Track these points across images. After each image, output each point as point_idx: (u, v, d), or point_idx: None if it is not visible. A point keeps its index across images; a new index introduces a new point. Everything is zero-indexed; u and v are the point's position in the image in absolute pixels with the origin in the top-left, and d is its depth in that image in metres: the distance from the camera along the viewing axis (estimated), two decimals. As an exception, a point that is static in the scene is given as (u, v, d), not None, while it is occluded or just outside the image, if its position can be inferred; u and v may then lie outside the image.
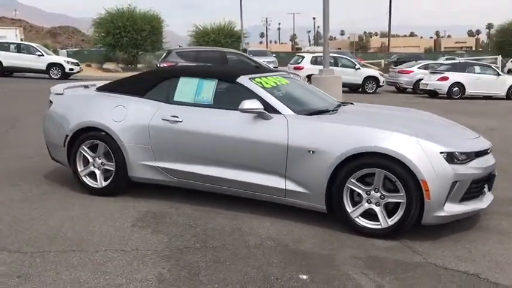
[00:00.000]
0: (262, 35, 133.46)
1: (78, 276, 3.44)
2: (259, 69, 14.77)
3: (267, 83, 4.98)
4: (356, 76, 20.50)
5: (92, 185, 5.32)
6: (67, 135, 5.33)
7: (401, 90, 22.84)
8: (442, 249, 4.02)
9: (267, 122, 4.55)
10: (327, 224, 4.50)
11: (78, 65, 24.40)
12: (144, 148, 5.03)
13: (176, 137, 4.88)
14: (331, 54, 22.87)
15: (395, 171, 4.06)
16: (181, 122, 4.86)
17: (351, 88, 20.82)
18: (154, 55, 32.43)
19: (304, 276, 3.49)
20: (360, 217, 4.28)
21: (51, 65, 23.24)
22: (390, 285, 3.40)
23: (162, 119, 4.95)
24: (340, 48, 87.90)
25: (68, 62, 23.75)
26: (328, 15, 12.44)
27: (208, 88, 4.96)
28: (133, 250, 3.90)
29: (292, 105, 4.72)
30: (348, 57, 22.52)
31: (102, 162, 5.27)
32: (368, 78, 20.78)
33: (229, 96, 4.95)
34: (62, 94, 5.68)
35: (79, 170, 5.35)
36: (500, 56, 34.15)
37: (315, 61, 20.33)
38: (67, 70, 23.46)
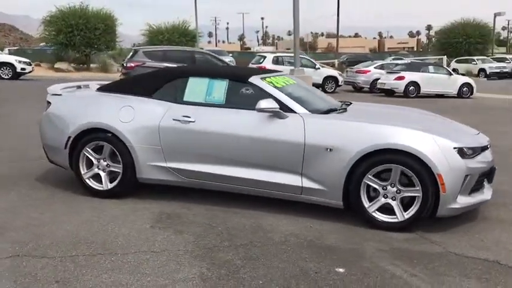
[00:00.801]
0: (210, 35, 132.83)
1: (119, 278, 3.41)
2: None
3: (277, 83, 5.07)
4: (316, 76, 20.88)
5: (96, 187, 5.22)
6: (69, 137, 5.20)
7: (358, 89, 23.50)
8: (455, 240, 4.26)
9: (283, 121, 4.64)
10: (342, 219, 4.64)
11: (30, 65, 23.48)
12: (153, 149, 4.99)
13: (188, 137, 4.88)
14: (291, 54, 23.21)
15: (412, 167, 4.26)
16: (193, 122, 4.86)
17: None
18: (109, 54, 31.66)
19: (341, 270, 3.61)
20: (376, 212, 4.45)
21: (0, 65, 22.23)
22: (422, 274, 3.58)
23: (173, 119, 4.93)
24: (289, 49, 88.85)
25: (19, 62, 22.79)
26: (298, 17, 12.70)
27: (220, 88, 4.99)
28: (163, 251, 3.89)
29: (305, 104, 4.83)
30: (308, 58, 22.91)
31: (107, 164, 5.18)
32: (328, 78, 21.27)
33: (241, 96, 5.00)
34: (60, 95, 5.53)
35: (82, 172, 5.24)
36: (445, 56, 35.84)
37: (276, 61, 20.60)
38: (18, 70, 22.54)
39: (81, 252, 3.83)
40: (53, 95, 5.55)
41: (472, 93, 20.54)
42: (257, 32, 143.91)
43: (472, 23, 40.18)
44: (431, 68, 20.72)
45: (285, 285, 3.36)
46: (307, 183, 4.59)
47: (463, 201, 4.38)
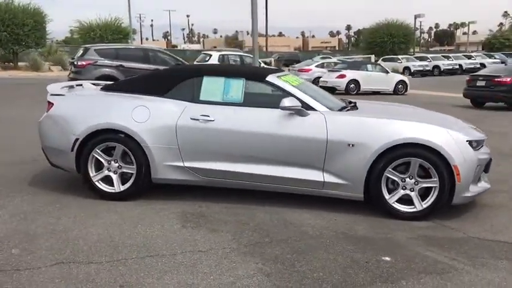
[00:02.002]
0: (134, 32, 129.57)
1: (182, 279, 3.40)
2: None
3: (292, 82, 5.19)
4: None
5: (107, 190, 5.08)
6: (77, 139, 5.01)
7: (299, 87, 24.05)
8: (469, 225, 4.62)
9: (304, 119, 4.78)
10: (361, 212, 4.86)
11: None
12: (169, 149, 4.94)
13: (208, 136, 4.88)
14: (237, 53, 23.36)
15: (430, 159, 4.56)
16: (213, 121, 4.87)
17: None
18: (39, 52, 30.01)
19: (388, 258, 3.82)
20: (395, 203, 4.72)
21: None
22: (460, 258, 3.86)
23: (191, 119, 4.91)
24: (215, 47, 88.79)
25: None
26: (257, 16, 12.82)
27: (237, 87, 5.02)
28: (209, 250, 3.90)
29: (322, 102, 5.00)
30: (252, 56, 23.08)
31: (119, 166, 5.05)
32: (272, 76, 21.57)
33: (259, 95, 5.08)
34: (63, 95, 5.30)
35: (91, 175, 5.08)
36: (373, 55, 37.56)
37: (222, 59, 20.60)
38: None
39: (128, 256, 3.75)
40: (55, 95, 5.31)
41: (406, 90, 21.74)
42: (183, 29, 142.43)
43: (395, 24, 42.45)
44: (369, 66, 21.70)
45: (344, 275, 3.51)
46: (329, 178, 4.76)
47: (473, 189, 4.76)
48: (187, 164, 4.96)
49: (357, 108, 5.26)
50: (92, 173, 5.08)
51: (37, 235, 4.13)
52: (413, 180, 4.67)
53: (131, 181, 5.03)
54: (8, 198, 5.10)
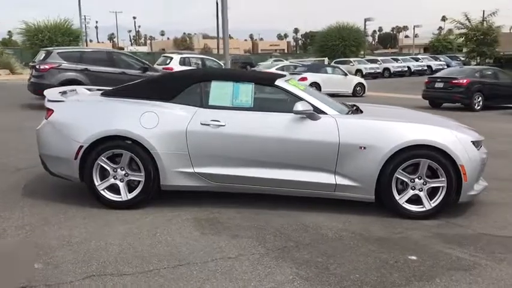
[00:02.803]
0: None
1: (226, 286, 3.36)
2: (151, 69, 14.43)
3: (299, 86, 5.23)
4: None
5: (113, 198, 4.93)
6: (81, 146, 4.84)
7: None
8: (475, 222, 4.81)
9: (315, 122, 4.83)
10: (369, 212, 4.95)
11: None
12: (179, 154, 4.86)
13: (219, 141, 4.84)
14: (198, 56, 23.20)
15: (439, 160, 4.72)
16: (224, 126, 4.84)
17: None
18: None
19: (414, 257, 3.92)
20: (405, 203, 4.85)
21: None
22: (479, 254, 4.02)
23: (201, 124, 4.85)
24: (163, 49, 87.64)
25: None
26: (227, 18, 12.83)
27: (246, 91, 5.01)
28: (239, 256, 3.88)
29: (330, 106, 5.07)
30: (213, 59, 23.01)
31: (125, 173, 4.92)
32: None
33: (269, 99, 5.09)
34: (63, 101, 5.10)
35: (96, 184, 4.91)
36: (326, 58, 38.30)
37: (183, 62, 20.41)
38: None
39: (159, 266, 3.67)
40: (54, 101, 5.10)
41: (364, 92, 22.34)
42: (129, 31, 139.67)
43: (347, 27, 43.47)
44: (329, 69, 22.12)
45: (380, 276, 3.58)
46: (340, 181, 4.84)
47: (477, 188, 4.97)
48: (197, 170, 4.90)
49: (362, 112, 5.37)
50: (97, 181, 4.91)
51: (54, 248, 3.96)
52: (422, 181, 4.82)
53: (139, 189, 4.91)
54: (7, 211, 4.86)
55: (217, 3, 61.88)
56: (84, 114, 4.99)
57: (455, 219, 4.88)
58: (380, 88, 26.14)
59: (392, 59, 42.45)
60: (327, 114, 4.90)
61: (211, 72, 5.80)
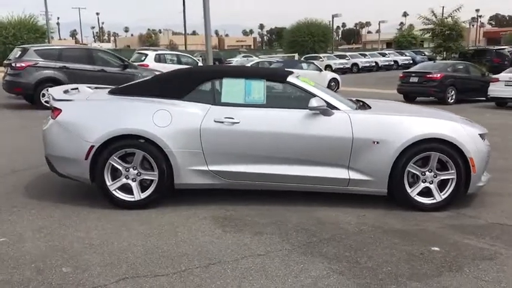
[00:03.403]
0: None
1: (264, 284, 3.36)
2: (131, 66, 14.19)
3: (310, 82, 5.26)
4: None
5: (126, 198, 4.85)
6: (92, 146, 4.73)
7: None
8: (484, 213, 4.95)
9: (329, 118, 4.87)
10: (383, 206, 5.03)
11: None
12: (193, 153, 4.82)
13: (233, 138, 4.82)
14: (173, 53, 22.93)
15: (449, 153, 4.84)
16: (238, 123, 4.82)
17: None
18: None
19: (437, 248, 4.02)
20: (417, 195, 4.95)
21: None
22: (498, 243, 4.13)
23: (215, 121, 4.82)
24: (128, 46, 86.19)
25: None
26: (209, 15, 12.73)
27: (258, 88, 5.00)
28: (268, 253, 3.88)
29: (342, 101, 5.12)
30: (188, 55, 22.78)
31: (138, 173, 4.84)
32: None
33: (281, 95, 5.10)
34: (71, 100, 4.97)
35: (108, 184, 4.82)
36: (297, 53, 38.54)
37: (158, 59, 20.13)
38: None
39: (190, 265, 3.63)
40: (62, 100, 4.95)
41: (338, 87, 22.59)
42: (93, 28, 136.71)
43: (315, 23, 43.84)
44: (304, 65, 22.28)
45: (411, 268, 3.65)
46: (354, 175, 4.90)
47: (484, 179, 5.13)
48: (211, 168, 4.86)
49: (370, 107, 5.43)
50: (108, 181, 4.82)
51: (77, 251, 3.87)
52: (432, 173, 4.93)
53: (152, 188, 4.84)
54: (14, 214, 4.71)
55: (183, 0, 61.40)
56: (94, 113, 4.88)
57: (464, 210, 5.01)
58: (352, 83, 26.49)
59: (360, 54, 43.08)
60: (339, 109, 4.95)
61: (223, 69, 5.76)
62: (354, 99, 5.84)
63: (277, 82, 5.13)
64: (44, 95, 12.80)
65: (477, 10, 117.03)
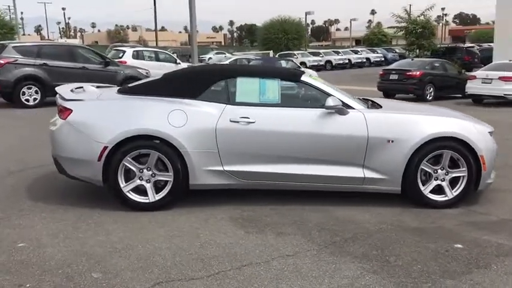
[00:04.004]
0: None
1: (303, 285, 3.35)
2: (113, 64, 13.93)
3: (322, 81, 5.26)
4: (177, 71, 20.68)
5: (140, 200, 4.75)
6: (105, 147, 4.62)
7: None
8: (493, 209, 5.06)
9: (344, 117, 4.88)
10: (396, 203, 5.07)
11: None
12: (209, 153, 4.76)
13: (249, 138, 4.78)
14: (151, 49, 22.61)
15: (460, 151, 4.93)
16: (253, 122, 4.78)
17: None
18: None
19: (460, 245, 4.08)
20: (429, 193, 5.02)
21: None
22: (515, 239, 4.26)
23: (231, 121, 4.77)
24: (96, 42, 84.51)
25: None
26: (195, 11, 12.60)
27: (273, 87, 4.97)
28: (297, 253, 3.86)
29: (355, 101, 5.14)
30: (166, 52, 22.47)
31: (152, 174, 4.75)
32: (188, 73, 21.23)
33: (295, 95, 5.08)
34: (83, 100, 4.82)
35: (121, 185, 4.71)
36: (271, 51, 38.57)
37: (136, 55, 19.79)
38: None
39: (223, 268, 3.59)
40: (73, 100, 4.81)
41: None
42: (58, 23, 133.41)
43: (289, 20, 43.95)
44: (283, 62, 22.24)
45: (440, 265, 3.69)
46: (369, 174, 4.93)
47: (492, 176, 5.24)
48: (227, 168, 4.81)
49: (381, 106, 5.46)
50: (122, 183, 4.71)
51: (102, 255, 3.77)
52: (444, 171, 5.01)
53: (167, 189, 4.76)
54: (24, 218, 4.56)
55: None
56: (106, 113, 4.76)
57: (473, 207, 5.11)
58: (327, 80, 26.57)
59: (333, 51, 43.44)
60: (354, 108, 4.96)
61: (236, 69, 5.70)
62: (361, 98, 5.87)
63: (291, 81, 5.11)
64: (24, 93, 12.44)
65: (443, 9, 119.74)
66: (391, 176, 4.93)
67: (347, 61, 40.88)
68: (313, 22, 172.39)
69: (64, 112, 4.79)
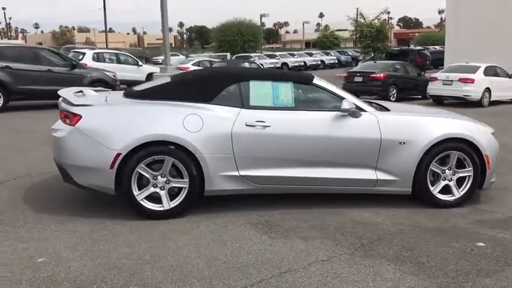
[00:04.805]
0: None
1: (349, 290, 3.33)
2: (79, 66, 13.47)
3: (332, 84, 5.26)
4: (139, 73, 20.25)
5: (155, 208, 4.60)
6: (118, 154, 4.43)
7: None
8: (497, 207, 5.23)
9: (357, 120, 4.90)
10: (403, 205, 5.15)
11: None
12: (225, 158, 4.66)
13: (264, 142, 4.72)
14: (113, 51, 22.01)
15: (467, 151, 5.07)
16: (269, 126, 4.72)
17: (134, 84, 20.44)
18: None
19: (481, 244, 4.18)
20: (438, 193, 5.14)
21: None
22: (528, 236, 4.42)
23: (246, 125, 4.69)
24: (41, 43, 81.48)
25: None
26: (167, 12, 12.37)
27: (286, 91, 4.93)
28: (331, 258, 3.84)
29: (365, 103, 5.18)
30: (127, 54, 21.92)
31: (167, 180, 4.60)
32: (151, 75, 20.80)
33: (307, 98, 5.06)
34: (92, 105, 4.60)
35: (135, 193, 4.54)
36: (229, 53, 38.50)
37: (96, 58, 19.24)
38: None
39: (263, 276, 3.52)
40: (82, 105, 4.57)
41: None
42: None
43: (245, 23, 43.97)
44: (247, 64, 22.28)
45: (471, 264, 3.76)
46: (381, 176, 4.98)
47: (494, 174, 5.42)
48: (242, 173, 4.73)
49: (389, 109, 5.50)
50: (135, 191, 4.53)
51: (133, 268, 3.60)
52: (451, 171, 5.14)
53: (183, 196, 4.62)
54: (33, 231, 4.31)
55: (103, -4, 59.09)
56: (118, 118, 4.57)
57: (478, 205, 5.27)
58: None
59: (289, 54, 43.88)
60: (366, 111, 5.00)
61: (249, 72, 5.60)
62: (366, 100, 5.93)
63: (303, 84, 5.09)
64: (-14, 98, 11.81)
65: (388, 12, 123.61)
66: (402, 178, 5.00)
67: (303, 63, 41.40)
68: (263, 24, 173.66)
69: (72, 118, 4.55)
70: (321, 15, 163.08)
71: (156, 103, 4.71)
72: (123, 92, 5.14)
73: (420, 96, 18.06)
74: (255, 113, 4.76)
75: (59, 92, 4.92)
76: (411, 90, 18.17)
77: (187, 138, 4.52)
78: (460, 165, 5.15)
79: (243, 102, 4.82)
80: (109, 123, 4.52)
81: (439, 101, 16.80)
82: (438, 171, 5.10)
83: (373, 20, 30.96)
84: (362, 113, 4.96)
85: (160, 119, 4.57)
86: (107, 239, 4.15)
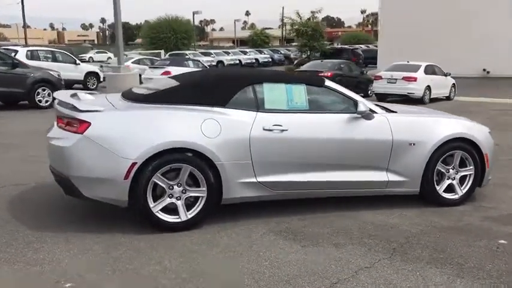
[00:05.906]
0: None
1: (409, 298, 3.27)
2: (21, 65, 12.56)
3: (341, 87, 5.19)
4: (77, 72, 19.22)
5: (171, 220, 4.31)
6: (134, 164, 4.10)
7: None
8: (500, 203, 5.36)
9: (370, 122, 4.87)
10: (411, 204, 5.20)
11: None
12: (242, 164, 4.46)
13: (283, 146, 4.57)
14: (48, 49, 20.68)
15: (468, 150, 5.20)
16: (286, 130, 4.58)
17: (72, 84, 19.36)
18: None
19: (503, 241, 4.30)
20: (443, 192, 5.24)
21: None
22: (538, 231, 4.60)
23: (264, 129, 4.51)
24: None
25: None
26: (120, 8, 11.81)
27: (299, 93, 4.80)
28: (373, 265, 3.77)
29: (375, 105, 5.17)
30: (64, 52, 20.63)
31: (183, 190, 4.32)
32: (89, 74, 19.82)
33: (320, 100, 4.95)
34: (100, 111, 4.20)
35: (151, 205, 4.22)
36: (162, 50, 37.58)
37: (31, 56, 17.98)
38: None
39: (316, 287, 3.37)
40: (90, 111, 4.16)
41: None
42: None
43: (177, 20, 43.09)
44: (190, 63, 21.81)
45: (504, 263, 3.84)
46: (392, 177, 4.99)
47: (491, 172, 5.62)
48: (260, 179, 4.55)
49: (396, 111, 5.49)
50: (151, 203, 4.22)
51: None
52: (454, 170, 5.26)
53: (200, 206, 4.36)
54: (41, 252, 3.88)
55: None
56: (131, 125, 4.22)
57: (479, 202, 5.42)
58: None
59: (224, 52, 43.69)
60: (377, 113, 4.99)
61: (261, 74, 5.35)
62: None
63: (315, 86, 4.97)
64: None
65: (312, 12, 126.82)
66: (411, 178, 5.05)
67: (238, 61, 41.35)
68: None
69: (79, 125, 4.14)
70: (248, 14, 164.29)
71: (170, 107, 4.40)
72: (121, 95, 4.77)
73: (362, 94, 18.58)
74: (271, 117, 4.59)
75: (54, 95, 4.47)
76: (355, 88, 18.50)
77: (206, 144, 4.27)
78: (462, 164, 5.28)
79: (258, 105, 4.63)
80: (121, 130, 4.16)
81: (383, 99, 17.36)
82: (443, 170, 5.20)
83: (308, 19, 31.51)
84: (374, 114, 4.94)
85: (177, 125, 4.29)
86: (130, 256, 3.82)
